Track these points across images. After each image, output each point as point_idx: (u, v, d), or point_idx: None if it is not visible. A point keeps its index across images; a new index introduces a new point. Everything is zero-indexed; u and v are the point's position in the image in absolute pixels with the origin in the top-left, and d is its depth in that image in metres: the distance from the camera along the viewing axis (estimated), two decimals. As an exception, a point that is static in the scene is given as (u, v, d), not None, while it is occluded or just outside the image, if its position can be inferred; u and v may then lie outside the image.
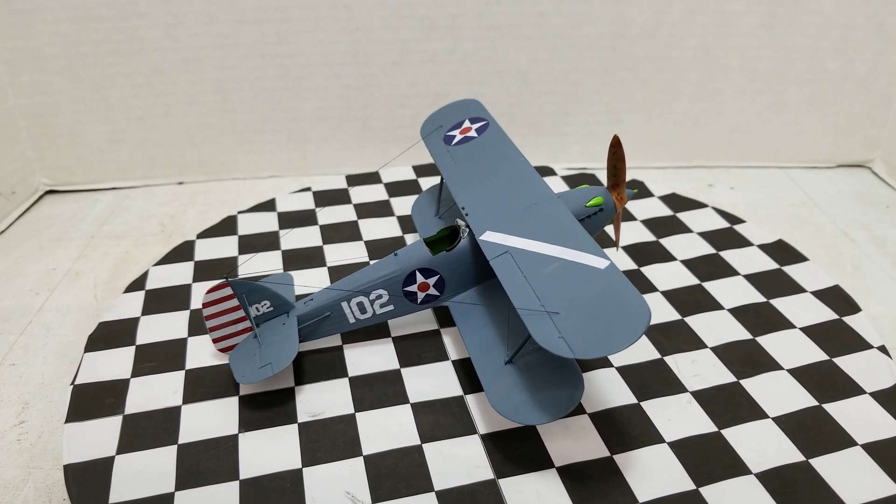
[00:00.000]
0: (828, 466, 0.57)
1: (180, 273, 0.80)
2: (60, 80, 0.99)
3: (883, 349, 0.69)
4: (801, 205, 1.03)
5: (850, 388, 0.65)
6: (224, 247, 0.85)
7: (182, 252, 0.84)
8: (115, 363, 0.68)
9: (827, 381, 0.65)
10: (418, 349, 0.69)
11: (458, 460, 0.58)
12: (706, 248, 0.84)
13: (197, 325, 0.72)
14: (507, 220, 0.62)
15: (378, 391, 0.65)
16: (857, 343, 0.70)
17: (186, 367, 0.67)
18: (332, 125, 1.07)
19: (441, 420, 0.62)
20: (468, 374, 0.66)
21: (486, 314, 0.65)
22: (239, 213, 0.92)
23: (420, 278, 0.66)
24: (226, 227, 0.89)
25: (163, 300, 0.76)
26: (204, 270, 0.81)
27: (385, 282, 0.66)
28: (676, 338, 0.71)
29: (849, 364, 0.67)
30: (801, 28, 1.03)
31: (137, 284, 0.79)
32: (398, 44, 1.02)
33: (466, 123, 0.77)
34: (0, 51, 0.96)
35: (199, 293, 0.75)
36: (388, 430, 0.61)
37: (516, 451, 0.59)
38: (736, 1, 1.01)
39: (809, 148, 1.12)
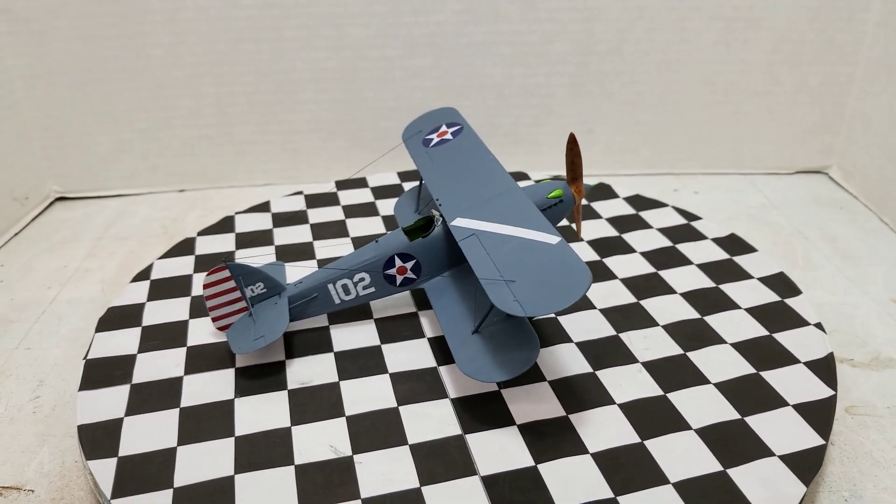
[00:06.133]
0: (761, 423, 0.64)
1: (182, 265, 0.88)
2: (71, 95, 1.08)
3: (819, 326, 0.76)
4: (760, 207, 1.11)
5: (785, 359, 0.72)
6: (222, 243, 0.92)
7: (184, 247, 0.92)
8: (123, 341, 0.75)
9: (765, 353, 0.72)
10: (398, 328, 0.76)
11: (431, 419, 0.65)
12: (664, 242, 0.92)
13: (198, 310, 0.79)
14: (475, 208, 0.70)
15: (360, 363, 0.72)
16: (796, 321, 0.77)
17: (188, 345, 0.74)
18: (322, 137, 1.15)
19: (416, 387, 0.69)
20: (442, 350, 0.73)
21: (457, 293, 0.73)
22: (236, 213, 0.99)
23: (398, 262, 0.74)
24: (224, 226, 0.97)
25: (166, 288, 0.83)
26: (204, 263, 0.88)
27: (367, 266, 0.73)
28: (631, 317, 0.78)
29: (786, 338, 0.74)
30: (756, 44, 1.12)
31: (143, 275, 0.86)
32: (383, 61, 1.10)
33: (443, 128, 0.85)
34: (17, 67, 1.04)
35: (200, 282, 0.82)
36: (368, 395, 0.68)
37: (483, 411, 0.66)
38: (695, 19, 1.10)
39: (769, 155, 1.20)
